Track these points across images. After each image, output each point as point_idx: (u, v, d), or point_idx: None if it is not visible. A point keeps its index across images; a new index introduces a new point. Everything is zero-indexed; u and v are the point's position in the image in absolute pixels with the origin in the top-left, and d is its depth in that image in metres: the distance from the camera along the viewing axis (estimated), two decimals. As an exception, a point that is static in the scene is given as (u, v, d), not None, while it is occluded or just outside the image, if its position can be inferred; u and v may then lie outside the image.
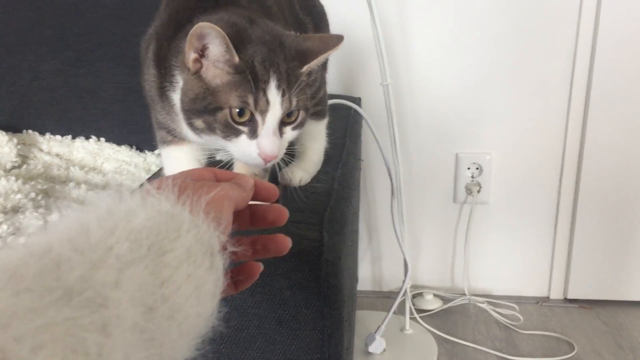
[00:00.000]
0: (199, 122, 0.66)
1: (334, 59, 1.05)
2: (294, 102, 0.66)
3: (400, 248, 1.43)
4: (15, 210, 0.97)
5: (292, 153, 0.80)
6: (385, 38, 1.34)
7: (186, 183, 0.44)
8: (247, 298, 0.68)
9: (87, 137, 1.31)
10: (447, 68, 1.59)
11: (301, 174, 0.89)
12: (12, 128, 1.31)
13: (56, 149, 1.28)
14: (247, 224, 0.51)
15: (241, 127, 0.65)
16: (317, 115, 0.95)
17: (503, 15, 1.54)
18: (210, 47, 0.63)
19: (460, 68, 1.59)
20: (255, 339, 0.69)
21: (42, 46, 1.31)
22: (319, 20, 0.99)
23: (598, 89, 1.54)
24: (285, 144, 0.69)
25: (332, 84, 1.29)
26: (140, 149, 1.30)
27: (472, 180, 1.67)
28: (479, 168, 1.66)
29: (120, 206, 0.38)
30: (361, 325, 1.54)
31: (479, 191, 1.66)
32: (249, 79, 0.63)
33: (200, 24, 0.61)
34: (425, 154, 1.66)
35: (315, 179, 0.90)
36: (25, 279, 0.30)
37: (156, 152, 1.28)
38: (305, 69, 0.67)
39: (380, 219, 1.74)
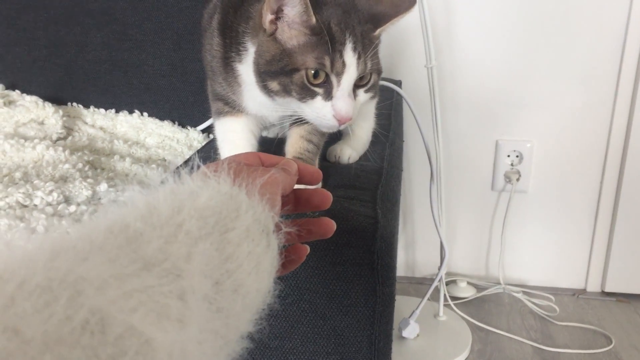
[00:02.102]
0: (274, 84, 0.66)
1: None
2: (369, 65, 0.66)
3: (438, 233, 1.41)
4: (64, 179, 0.98)
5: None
6: (429, 20, 1.31)
7: (240, 167, 0.45)
8: (299, 272, 0.68)
9: (131, 111, 1.32)
10: (490, 52, 1.56)
11: (350, 151, 0.88)
12: (57, 100, 1.32)
13: (100, 122, 1.29)
14: (292, 207, 0.52)
15: (316, 89, 0.65)
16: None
17: (550, 0, 1.50)
18: (288, 8, 0.63)
19: (504, 53, 1.56)
20: (306, 314, 0.69)
21: (88, 19, 1.31)
22: None
23: (648, 78, 1.49)
24: (359, 107, 0.69)
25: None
26: (183, 124, 1.31)
27: (512, 168, 1.64)
28: (519, 156, 1.63)
29: (183, 187, 0.40)
30: (394, 310, 1.53)
31: (518, 179, 1.63)
32: (326, 40, 0.63)
33: None
34: (464, 139, 1.64)
35: (364, 157, 0.90)
36: (110, 250, 0.32)
37: (199, 128, 1.29)
38: (378, 32, 0.67)
39: (416, 204, 1.73)
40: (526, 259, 1.71)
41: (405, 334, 1.41)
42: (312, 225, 0.52)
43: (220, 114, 0.79)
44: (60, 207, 0.89)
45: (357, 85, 0.67)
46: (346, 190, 0.75)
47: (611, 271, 1.65)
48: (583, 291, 1.69)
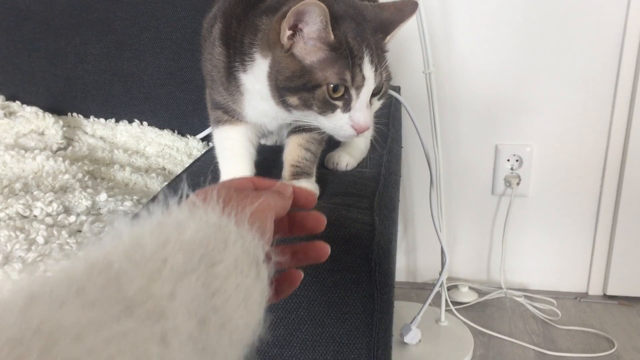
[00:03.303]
0: (293, 99, 0.67)
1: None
2: (384, 75, 0.68)
3: (439, 238, 1.41)
4: (64, 189, 0.99)
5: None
6: (427, 26, 1.32)
7: (230, 194, 0.44)
8: (297, 280, 0.68)
9: (130, 121, 1.32)
10: (488, 58, 1.57)
11: (348, 158, 0.88)
12: (57, 110, 1.33)
13: (100, 132, 1.30)
14: (286, 231, 0.52)
15: (336, 102, 0.67)
16: None
17: (548, 4, 1.50)
18: (308, 24, 0.64)
19: (502, 58, 1.56)
20: (304, 322, 0.69)
21: (87, 30, 1.32)
22: None
23: (646, 81, 1.50)
24: (372, 115, 0.71)
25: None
26: (182, 133, 1.31)
27: (512, 173, 1.64)
28: (519, 160, 1.63)
29: (170, 218, 0.39)
30: (396, 315, 1.50)
31: (518, 183, 1.63)
32: (346, 54, 0.64)
33: (306, 1, 0.61)
34: (464, 144, 1.64)
35: (362, 164, 0.90)
36: (90, 293, 0.31)
37: (198, 136, 1.29)
38: (387, 39, 0.69)
39: (417, 209, 1.73)
40: (528, 263, 1.71)
41: (407, 339, 1.41)
42: (307, 249, 0.51)
43: (219, 122, 0.79)
44: (60, 217, 0.89)
45: (372, 94, 0.69)
46: (344, 198, 0.75)
47: (613, 274, 1.64)
48: (585, 295, 1.69)
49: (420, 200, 1.71)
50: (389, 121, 1.12)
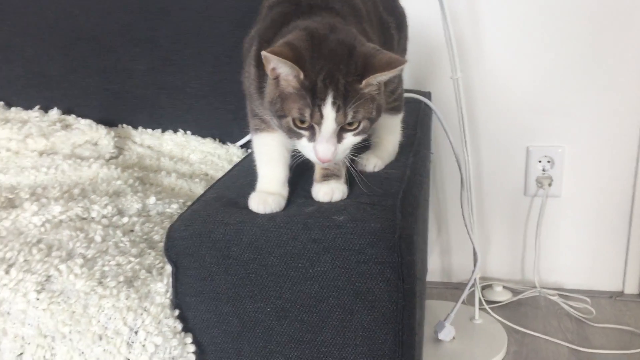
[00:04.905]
0: (273, 121, 0.77)
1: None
2: (350, 116, 0.73)
3: (470, 238, 1.46)
4: (117, 194, 1.09)
5: (368, 145, 0.86)
6: (455, 32, 1.37)
7: None
8: (326, 271, 0.74)
9: (175, 130, 1.42)
10: (518, 61, 1.61)
11: (375, 160, 0.94)
12: (109, 122, 1.43)
13: (148, 142, 1.39)
14: None
15: (302, 131, 0.75)
16: (394, 110, 1.00)
17: (577, 6, 1.53)
18: (280, 69, 0.72)
19: (531, 60, 1.60)
20: (334, 309, 0.75)
21: (135, 47, 1.43)
22: (400, 20, 1.05)
23: (676, 80, 1.51)
24: (346, 147, 0.77)
25: (404, 79, 1.34)
26: (223, 141, 1.40)
27: (544, 174, 1.67)
28: (551, 161, 1.66)
29: None
30: (431, 314, 1.57)
31: (550, 184, 1.66)
32: (309, 95, 0.72)
33: (264, 53, 0.70)
34: (495, 146, 1.68)
35: (389, 166, 0.96)
36: None
37: (237, 144, 1.38)
38: (364, 84, 0.73)
39: (450, 211, 1.77)
40: (562, 262, 1.73)
41: (441, 336, 1.46)
42: None
43: (258, 130, 0.87)
44: (114, 218, 0.99)
45: (346, 129, 0.75)
46: (370, 197, 0.81)
47: (649, 273, 1.65)
48: (620, 293, 1.70)
49: (453, 203, 1.75)
50: (416, 125, 1.18)
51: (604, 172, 1.64)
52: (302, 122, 0.74)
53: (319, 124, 0.73)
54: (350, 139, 0.76)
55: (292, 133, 0.75)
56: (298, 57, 0.71)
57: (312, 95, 0.72)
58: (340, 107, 0.72)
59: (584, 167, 1.65)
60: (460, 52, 1.47)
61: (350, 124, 0.75)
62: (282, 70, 0.72)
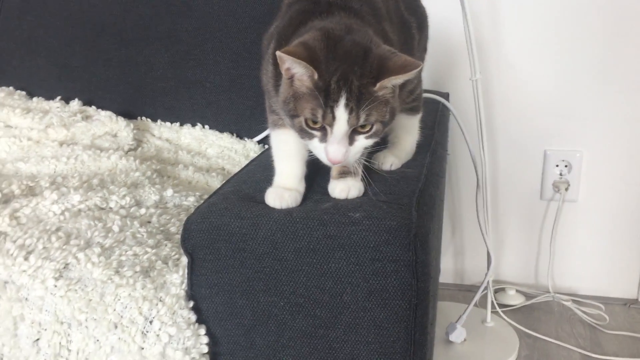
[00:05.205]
0: (286, 120, 0.78)
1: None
2: (362, 118, 0.73)
3: (484, 240, 1.45)
4: (135, 185, 1.10)
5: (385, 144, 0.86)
6: (475, 34, 1.36)
7: None
8: (341, 268, 0.75)
9: (193, 124, 1.43)
10: (537, 64, 1.60)
11: (392, 159, 0.94)
12: (128, 115, 1.45)
13: (166, 135, 1.41)
14: None
15: (314, 132, 0.75)
16: (413, 110, 1.01)
17: (596, 10, 1.52)
18: (295, 69, 0.73)
19: (550, 64, 1.59)
20: (348, 306, 0.76)
21: (156, 41, 1.44)
22: (422, 20, 1.05)
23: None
24: (357, 150, 0.77)
25: (422, 78, 1.34)
26: (240, 136, 1.41)
27: (561, 178, 1.66)
28: (568, 166, 1.65)
29: None
30: (442, 315, 1.57)
31: (567, 189, 1.65)
32: (322, 96, 0.72)
33: (278, 53, 0.71)
34: (512, 149, 1.67)
35: (406, 165, 0.96)
36: None
37: (255, 139, 1.38)
38: (378, 86, 0.73)
39: (465, 213, 1.77)
40: (576, 268, 1.72)
41: (452, 338, 1.46)
42: None
43: (276, 125, 0.87)
44: (132, 209, 1.00)
45: (358, 132, 0.76)
46: (386, 195, 0.82)
47: (665, 281, 1.63)
48: (635, 301, 1.68)
49: (468, 205, 1.75)
50: (434, 126, 1.18)
51: (622, 178, 1.63)
52: (314, 122, 0.74)
53: (331, 125, 0.73)
54: (362, 142, 0.77)
55: (304, 133, 0.76)
56: (312, 58, 0.72)
57: (325, 96, 0.72)
58: (353, 109, 0.73)
59: (601, 173, 1.64)
60: (479, 54, 1.47)
61: (362, 126, 0.75)
62: (297, 70, 0.73)
